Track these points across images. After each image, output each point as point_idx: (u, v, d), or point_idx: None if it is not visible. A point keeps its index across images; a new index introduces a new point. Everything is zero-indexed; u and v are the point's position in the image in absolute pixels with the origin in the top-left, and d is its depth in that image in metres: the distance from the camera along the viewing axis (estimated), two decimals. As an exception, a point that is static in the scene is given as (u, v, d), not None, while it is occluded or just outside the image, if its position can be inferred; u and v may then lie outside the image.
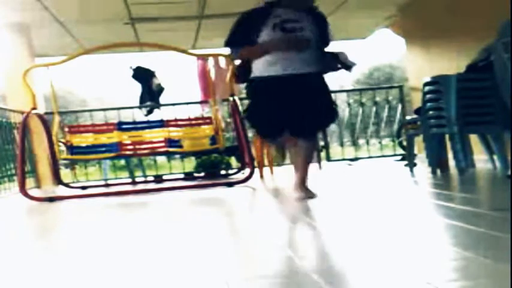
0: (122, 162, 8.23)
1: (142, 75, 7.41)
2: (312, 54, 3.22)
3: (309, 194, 3.26)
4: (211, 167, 6.67)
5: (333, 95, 8.46)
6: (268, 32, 3.18)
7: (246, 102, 3.65)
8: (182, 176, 7.00)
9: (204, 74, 7.14)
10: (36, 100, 5.13)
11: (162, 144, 5.82)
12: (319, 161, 6.94)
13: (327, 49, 3.38)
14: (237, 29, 3.31)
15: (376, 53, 34.53)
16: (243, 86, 3.92)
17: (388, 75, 27.43)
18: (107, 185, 6.36)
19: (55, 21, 6.51)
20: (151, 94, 7.38)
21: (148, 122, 6.27)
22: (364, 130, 8.49)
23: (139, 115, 7.46)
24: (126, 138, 5.87)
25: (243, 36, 3.26)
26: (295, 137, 3.28)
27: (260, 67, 3.24)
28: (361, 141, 9.98)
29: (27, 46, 6.81)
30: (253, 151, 5.81)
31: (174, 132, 5.87)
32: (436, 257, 1.59)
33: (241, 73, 3.39)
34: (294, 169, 3.38)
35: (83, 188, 5.88)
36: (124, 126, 5.92)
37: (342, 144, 8.11)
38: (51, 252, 2.26)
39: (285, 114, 3.20)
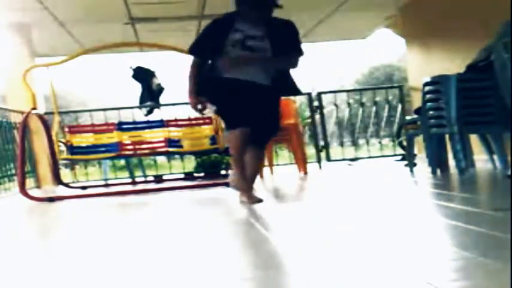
0: (122, 162, 8.23)
1: (143, 75, 7.40)
2: (270, 70, 3.34)
3: (254, 200, 3.28)
4: (211, 167, 6.67)
5: (332, 95, 8.48)
6: (230, 48, 3.27)
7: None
8: (182, 176, 7.00)
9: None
10: (36, 100, 5.13)
11: (162, 144, 5.82)
12: (319, 161, 6.94)
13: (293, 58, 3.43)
14: (201, 38, 3.42)
15: (376, 53, 34.59)
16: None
17: (388, 75, 27.45)
18: (107, 185, 6.36)
19: (55, 21, 6.51)
20: (151, 94, 7.37)
21: (148, 122, 6.26)
22: (364, 130, 8.49)
23: (140, 115, 7.46)
24: (126, 138, 5.86)
25: (206, 47, 3.36)
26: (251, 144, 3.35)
27: (226, 71, 3.31)
28: (361, 141, 9.99)
29: (27, 46, 6.81)
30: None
31: (174, 132, 5.87)
32: (436, 257, 1.59)
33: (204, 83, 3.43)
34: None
35: (83, 188, 5.87)
36: (124, 126, 5.92)
37: (342, 144, 8.11)
38: (51, 252, 2.26)
39: (247, 113, 3.30)
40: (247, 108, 3.30)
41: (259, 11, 3.31)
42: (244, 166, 3.36)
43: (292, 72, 3.52)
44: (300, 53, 3.41)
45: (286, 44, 3.36)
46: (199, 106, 3.51)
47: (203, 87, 3.43)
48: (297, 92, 3.63)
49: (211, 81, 3.38)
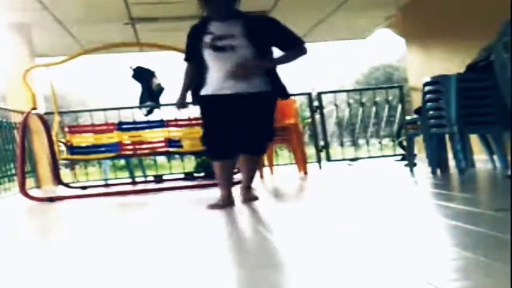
0: (122, 162, 8.23)
1: (143, 75, 7.40)
2: (251, 76, 3.24)
3: (251, 197, 3.42)
4: (211, 167, 6.66)
5: (332, 95, 8.45)
6: (204, 51, 3.27)
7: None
8: (182, 176, 7.00)
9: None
10: (36, 100, 5.13)
11: (162, 144, 5.82)
12: (319, 161, 6.94)
13: (284, 48, 3.35)
14: (186, 46, 3.44)
15: (376, 53, 34.61)
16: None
17: (388, 75, 27.46)
18: (107, 185, 6.36)
19: (55, 21, 6.51)
20: (151, 94, 7.37)
21: (148, 122, 6.27)
22: (364, 130, 8.49)
23: (139, 115, 7.46)
24: (126, 138, 5.86)
25: (192, 53, 3.39)
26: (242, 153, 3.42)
27: (206, 85, 3.32)
28: (361, 141, 9.99)
29: (27, 46, 6.80)
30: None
31: (174, 132, 5.87)
32: (436, 257, 1.59)
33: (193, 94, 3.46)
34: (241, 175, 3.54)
35: (83, 188, 5.87)
36: (124, 126, 5.92)
37: (342, 144, 8.11)
38: (51, 252, 2.26)
39: (229, 133, 3.32)
40: (228, 134, 3.30)
41: (211, 11, 3.31)
42: (230, 189, 3.42)
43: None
44: (298, 40, 3.35)
45: (278, 39, 3.31)
46: (182, 107, 3.61)
47: (194, 94, 3.44)
48: (285, 94, 3.44)
49: (197, 95, 3.39)
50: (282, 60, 3.37)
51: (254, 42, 3.22)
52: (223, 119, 3.30)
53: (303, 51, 3.37)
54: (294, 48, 3.36)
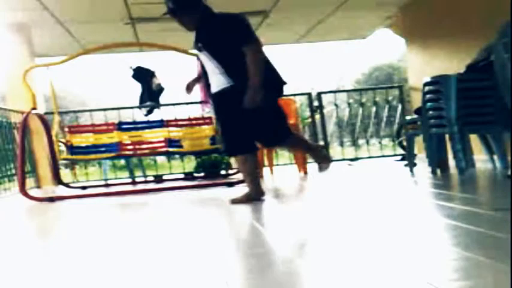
0: (122, 162, 8.23)
1: (142, 75, 7.40)
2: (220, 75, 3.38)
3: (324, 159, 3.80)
4: (211, 167, 6.67)
5: (332, 95, 8.46)
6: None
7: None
8: (182, 176, 7.00)
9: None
10: (36, 100, 5.13)
11: (162, 144, 5.82)
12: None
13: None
14: None
15: (376, 53, 34.61)
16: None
17: (388, 75, 27.47)
18: (107, 185, 6.36)
19: (55, 21, 6.51)
20: (151, 94, 7.37)
21: (148, 122, 6.26)
22: (364, 130, 8.49)
23: (139, 115, 7.46)
24: (126, 138, 5.86)
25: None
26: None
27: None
28: (361, 141, 9.99)
29: (27, 46, 6.81)
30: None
31: (174, 132, 5.87)
32: (437, 257, 1.59)
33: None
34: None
35: (83, 188, 5.87)
36: (124, 126, 5.92)
37: (342, 144, 8.11)
38: (51, 252, 2.26)
39: (238, 127, 3.46)
40: (237, 129, 3.40)
41: (183, 26, 3.52)
42: (259, 182, 3.52)
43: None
44: (247, 38, 3.29)
45: (228, 37, 3.32)
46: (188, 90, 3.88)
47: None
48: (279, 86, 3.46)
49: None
50: (255, 72, 3.23)
51: (207, 46, 3.41)
52: (228, 114, 3.44)
53: (256, 50, 3.28)
54: (245, 47, 3.26)
